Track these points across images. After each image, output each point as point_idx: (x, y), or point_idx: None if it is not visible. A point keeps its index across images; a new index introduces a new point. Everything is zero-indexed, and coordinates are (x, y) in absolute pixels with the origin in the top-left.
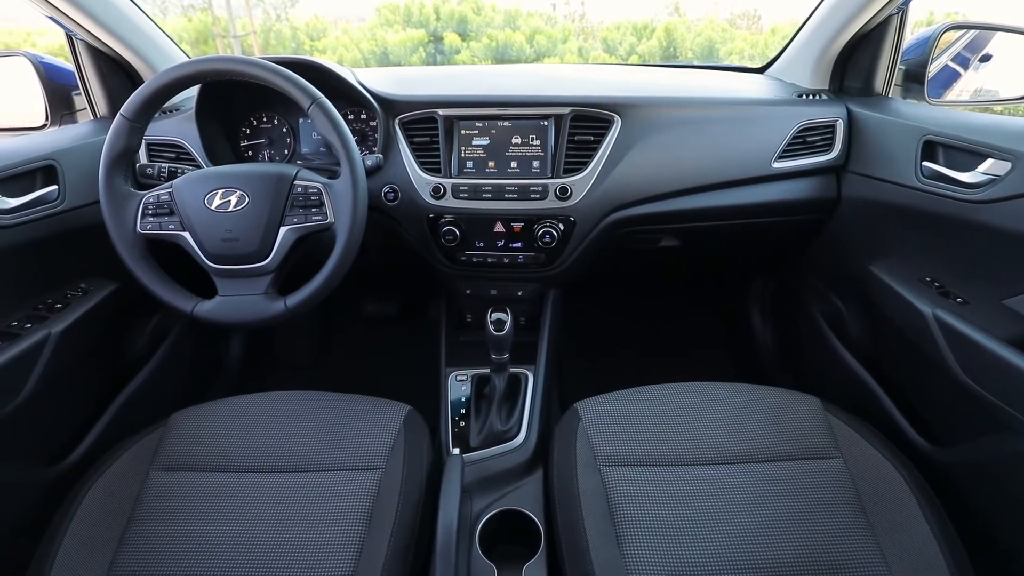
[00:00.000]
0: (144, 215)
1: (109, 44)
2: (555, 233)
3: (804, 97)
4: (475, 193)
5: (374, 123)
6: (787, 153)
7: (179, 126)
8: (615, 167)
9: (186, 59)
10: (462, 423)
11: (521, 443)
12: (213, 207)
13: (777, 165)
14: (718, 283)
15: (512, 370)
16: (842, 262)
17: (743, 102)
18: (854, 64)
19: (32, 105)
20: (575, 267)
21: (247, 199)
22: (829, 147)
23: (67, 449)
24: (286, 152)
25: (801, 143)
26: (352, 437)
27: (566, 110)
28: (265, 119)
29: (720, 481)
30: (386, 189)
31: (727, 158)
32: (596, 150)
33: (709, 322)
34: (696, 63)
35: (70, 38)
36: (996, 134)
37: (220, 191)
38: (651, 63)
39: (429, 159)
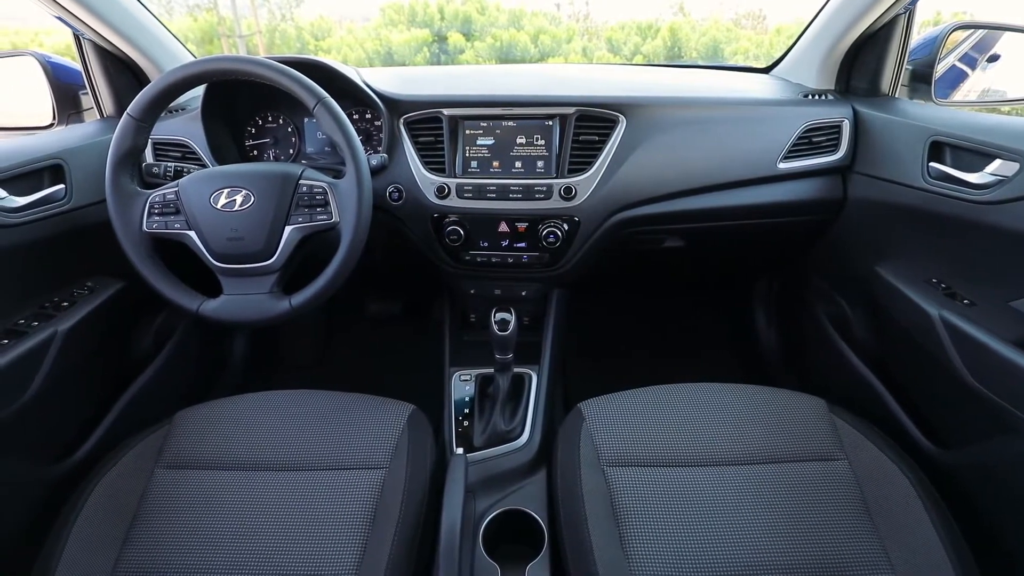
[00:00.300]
0: (150, 214)
1: (116, 44)
2: (559, 233)
3: (810, 97)
4: (479, 193)
5: (379, 123)
6: (793, 153)
7: (185, 125)
8: (620, 167)
9: (192, 59)
10: (466, 423)
11: (525, 443)
12: (219, 206)
13: (783, 165)
14: (723, 283)
15: (516, 370)
16: (848, 263)
17: (748, 102)
18: (860, 64)
19: (39, 104)
20: (579, 267)
21: (252, 198)
22: (835, 147)
23: (73, 447)
24: (291, 151)
25: (807, 143)
26: (356, 436)
27: (571, 110)
28: (270, 119)
29: (724, 482)
30: (391, 189)
31: (732, 158)
32: (601, 150)
33: (714, 323)
34: (701, 63)
35: (77, 38)
36: (1004, 135)
37: (226, 190)
38: (656, 63)
39: (434, 159)
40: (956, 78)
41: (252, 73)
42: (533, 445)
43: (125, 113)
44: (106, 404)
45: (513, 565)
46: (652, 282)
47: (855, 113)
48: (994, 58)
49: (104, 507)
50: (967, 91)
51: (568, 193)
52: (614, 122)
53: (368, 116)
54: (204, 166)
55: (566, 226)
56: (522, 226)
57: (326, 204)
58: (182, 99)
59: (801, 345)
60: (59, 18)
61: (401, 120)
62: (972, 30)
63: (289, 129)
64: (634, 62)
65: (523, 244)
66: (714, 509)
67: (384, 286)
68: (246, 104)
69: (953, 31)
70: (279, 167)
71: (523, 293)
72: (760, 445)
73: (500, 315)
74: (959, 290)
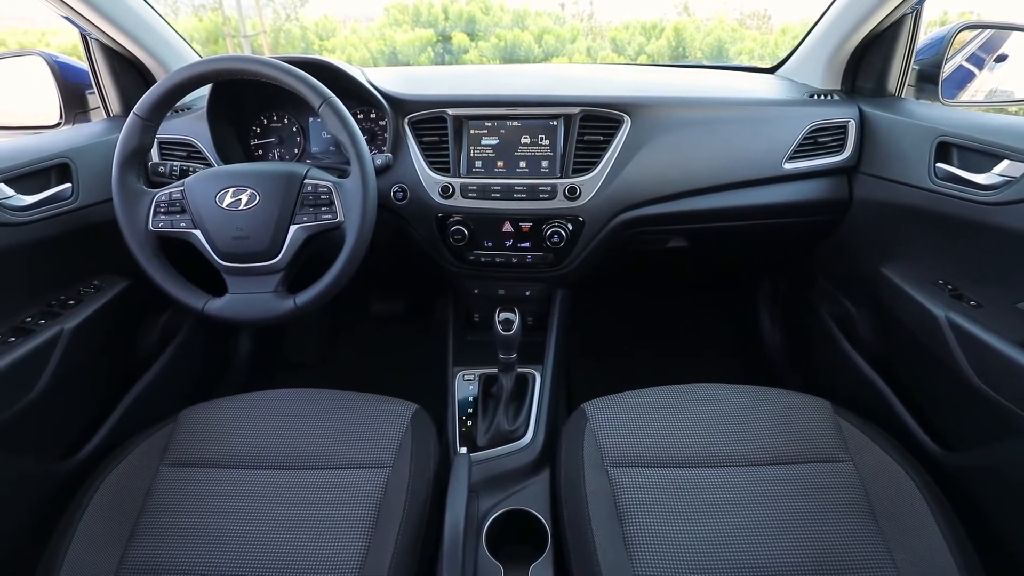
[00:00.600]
0: (156, 213)
1: (123, 43)
2: (564, 233)
3: (815, 97)
4: (484, 193)
5: (383, 122)
6: (798, 154)
7: (191, 125)
8: (624, 167)
9: (198, 58)
10: (469, 422)
11: (528, 443)
12: (224, 205)
13: (788, 166)
14: (727, 284)
15: (519, 370)
16: (853, 264)
17: (753, 102)
18: (867, 64)
19: (47, 104)
20: (583, 267)
21: (258, 198)
22: (841, 148)
23: (79, 444)
24: (296, 151)
25: (812, 144)
26: (360, 435)
27: (576, 110)
28: (275, 118)
29: (728, 483)
30: (395, 188)
31: (737, 159)
32: (605, 150)
33: (718, 323)
34: (705, 63)
35: (84, 37)
36: (1012, 135)
37: (231, 190)
38: (660, 63)
39: (438, 158)
40: (963, 78)
41: (258, 73)
42: (536, 445)
43: (132, 112)
44: (111, 402)
45: (516, 565)
46: (656, 282)
47: (861, 113)
48: (1002, 58)
49: (109, 504)
50: (974, 91)
51: (572, 193)
52: (619, 122)
53: (373, 116)
54: (209, 165)
55: (570, 226)
56: (526, 226)
57: (331, 203)
58: (188, 99)
59: (806, 346)
60: (66, 18)
61: (406, 120)
62: (979, 30)
63: (294, 129)
64: (638, 62)
65: (527, 244)
66: (718, 510)
67: (388, 285)
68: (251, 104)
69: (960, 31)
70: (284, 166)
71: (527, 293)
72: (764, 446)
73: (504, 315)
74: (966, 291)
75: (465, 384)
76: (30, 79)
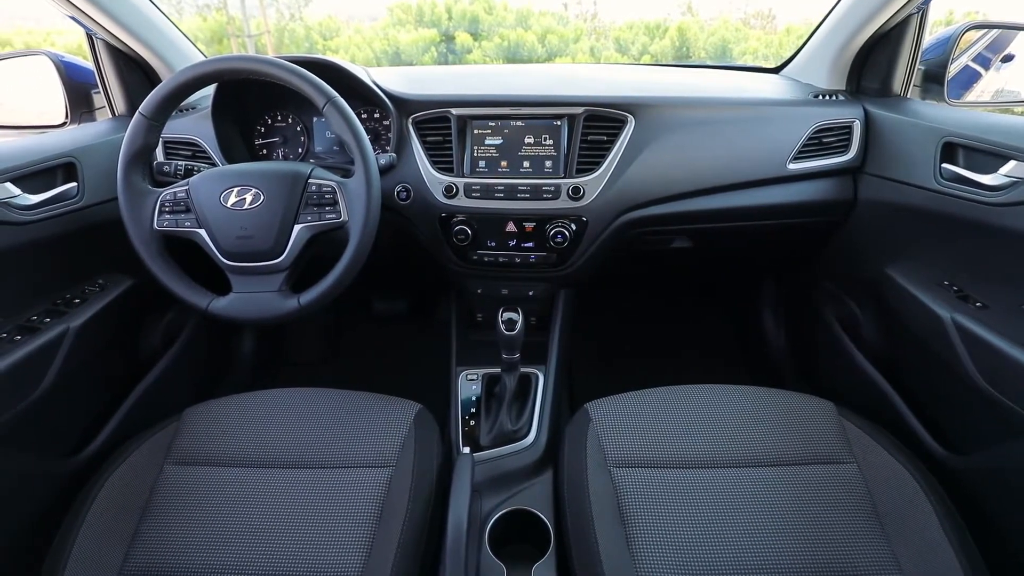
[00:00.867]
0: (161, 212)
1: (128, 43)
2: (567, 233)
3: (820, 97)
4: (487, 192)
5: (387, 122)
6: (803, 154)
7: (195, 124)
8: (628, 167)
9: (202, 58)
10: (472, 422)
11: (531, 443)
12: (228, 205)
13: (792, 166)
14: (731, 285)
15: (522, 370)
16: (858, 265)
17: (758, 102)
18: (872, 64)
19: (53, 103)
20: (587, 267)
21: (262, 197)
22: (846, 148)
23: (83, 442)
24: (300, 151)
25: (817, 144)
26: (363, 434)
27: (579, 110)
28: (279, 118)
29: (731, 484)
30: (399, 188)
31: (741, 159)
32: (609, 150)
33: (721, 324)
34: (709, 63)
35: (90, 37)
36: (1018, 136)
37: (235, 189)
38: (664, 63)
39: (442, 158)
40: (969, 78)
41: (262, 72)
42: (539, 445)
43: (137, 112)
44: (116, 400)
45: (519, 565)
46: (660, 283)
47: (866, 113)
48: (1008, 58)
49: (114, 502)
50: (980, 91)
51: (576, 193)
52: (623, 122)
53: (377, 115)
54: (214, 165)
55: (574, 226)
56: (530, 226)
57: (335, 203)
58: (193, 98)
59: (810, 347)
60: (72, 18)
61: (409, 120)
62: (985, 30)
63: (298, 128)
64: (642, 62)
65: (530, 244)
66: (722, 511)
67: (391, 285)
68: (256, 103)
69: (966, 31)
70: (288, 166)
71: (530, 293)
72: (768, 448)
73: (507, 315)
74: (971, 293)
75: (468, 384)
76: (36, 79)
